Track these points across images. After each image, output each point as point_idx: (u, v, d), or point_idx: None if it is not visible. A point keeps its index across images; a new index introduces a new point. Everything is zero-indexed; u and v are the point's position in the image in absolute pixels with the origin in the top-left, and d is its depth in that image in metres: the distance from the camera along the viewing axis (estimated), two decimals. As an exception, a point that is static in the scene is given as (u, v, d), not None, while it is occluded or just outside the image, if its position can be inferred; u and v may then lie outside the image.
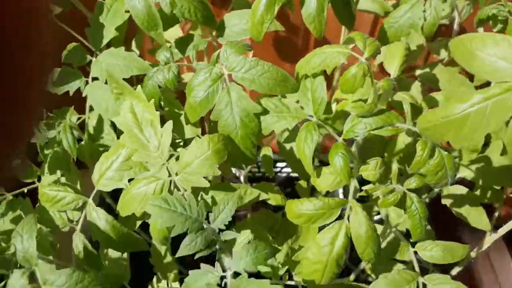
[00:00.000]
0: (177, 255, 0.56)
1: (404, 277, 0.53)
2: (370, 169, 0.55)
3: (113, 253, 0.71)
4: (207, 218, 0.57)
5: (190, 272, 0.56)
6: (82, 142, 0.76)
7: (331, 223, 0.54)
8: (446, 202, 0.70)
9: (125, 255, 0.71)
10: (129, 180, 0.61)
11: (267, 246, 0.56)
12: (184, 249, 0.56)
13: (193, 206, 0.56)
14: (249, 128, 0.56)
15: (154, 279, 0.78)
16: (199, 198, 0.60)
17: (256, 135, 0.57)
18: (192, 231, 0.56)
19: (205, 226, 0.56)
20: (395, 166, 0.56)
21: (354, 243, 0.53)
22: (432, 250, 0.56)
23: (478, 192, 0.72)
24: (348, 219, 0.53)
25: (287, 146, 0.67)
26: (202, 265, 0.56)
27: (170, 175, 0.58)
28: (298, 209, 0.53)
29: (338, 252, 0.53)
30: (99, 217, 0.61)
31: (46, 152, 0.69)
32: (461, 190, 0.69)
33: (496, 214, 0.76)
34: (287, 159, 0.67)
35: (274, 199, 0.77)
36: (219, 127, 0.57)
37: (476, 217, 0.68)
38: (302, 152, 0.55)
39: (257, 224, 0.69)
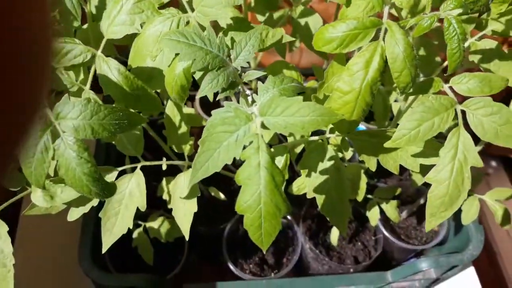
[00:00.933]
0: (198, 95, 0.52)
1: (442, 103, 0.50)
2: (403, -4, 0.51)
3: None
4: (229, 56, 0.53)
5: (213, 112, 0.52)
6: (85, 26, 0.71)
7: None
8: (474, 58, 0.66)
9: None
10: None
11: (293, 80, 0.52)
12: (206, 88, 0.52)
13: (213, 41, 0.52)
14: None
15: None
16: (223, 38, 0.55)
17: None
18: (213, 67, 0.52)
19: (227, 64, 0.53)
20: (428, -7, 0.52)
21: (390, 66, 0.49)
22: (469, 83, 0.53)
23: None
24: (384, 40, 0.50)
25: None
26: (225, 102, 0.52)
27: (186, 12, 0.54)
28: (330, 32, 0.49)
29: (373, 76, 0.49)
30: (111, 68, 0.57)
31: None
32: (490, 44, 0.65)
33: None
34: None
35: (290, 76, 0.73)
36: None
37: (506, 71, 0.65)
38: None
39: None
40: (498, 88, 0.52)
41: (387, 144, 0.51)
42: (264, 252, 0.51)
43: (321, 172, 0.58)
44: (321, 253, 1.01)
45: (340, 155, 0.58)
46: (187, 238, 0.66)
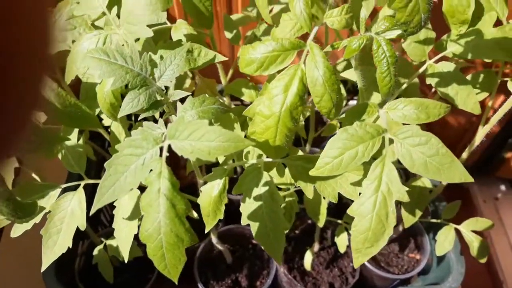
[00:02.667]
0: (119, 115, 0.51)
1: (368, 131, 0.46)
2: (335, 15, 0.49)
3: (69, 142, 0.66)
4: (153, 75, 0.52)
5: (133, 132, 0.50)
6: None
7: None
8: (431, 81, 0.62)
9: (81, 141, 0.66)
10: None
11: (216, 102, 0.50)
12: (126, 107, 0.51)
13: (136, 59, 0.51)
14: None
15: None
16: (147, 57, 0.54)
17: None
18: (134, 86, 0.51)
19: (150, 83, 0.51)
20: (364, 13, 0.49)
21: (310, 90, 0.46)
22: (404, 109, 0.49)
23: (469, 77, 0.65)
24: (305, 63, 0.47)
25: None
26: (144, 123, 0.50)
27: (113, 29, 0.53)
28: (250, 54, 0.47)
29: (292, 101, 0.46)
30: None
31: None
32: (448, 67, 0.62)
33: (490, 103, 0.68)
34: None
35: (248, 96, 0.71)
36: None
37: (464, 97, 0.61)
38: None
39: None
40: (435, 115, 0.49)
41: (311, 172, 0.48)
42: (176, 283, 0.48)
43: (255, 198, 0.56)
44: (295, 278, 0.97)
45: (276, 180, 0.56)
46: (126, 259, 0.65)
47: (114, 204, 0.67)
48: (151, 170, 0.44)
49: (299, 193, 0.77)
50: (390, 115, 0.50)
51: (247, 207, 0.56)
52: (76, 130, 0.65)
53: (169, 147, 0.44)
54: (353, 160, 0.46)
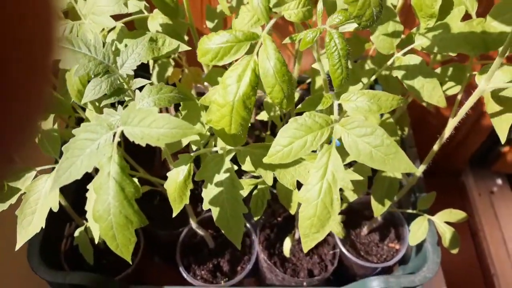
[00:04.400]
0: (82, 101, 0.53)
1: (316, 121, 0.48)
2: (292, 8, 0.50)
3: (44, 125, 0.68)
4: (115, 63, 0.53)
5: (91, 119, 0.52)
6: None
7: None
8: (397, 74, 0.63)
9: (55, 126, 0.68)
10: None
11: (174, 90, 0.51)
12: (89, 94, 0.52)
13: (99, 48, 0.52)
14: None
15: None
16: (112, 45, 0.55)
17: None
18: (97, 74, 0.52)
19: (112, 71, 0.53)
20: (320, 6, 0.50)
21: (262, 81, 0.48)
22: (357, 100, 0.51)
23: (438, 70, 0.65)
24: (258, 54, 0.48)
25: None
26: (105, 109, 0.52)
27: (80, 19, 0.55)
28: (206, 44, 0.48)
29: (245, 91, 0.48)
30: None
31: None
32: (415, 60, 0.62)
33: (459, 97, 0.69)
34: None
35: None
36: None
37: (429, 90, 0.62)
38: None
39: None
40: (387, 107, 0.50)
41: (265, 160, 0.50)
42: (130, 263, 0.51)
43: (217, 184, 0.57)
44: (275, 264, 0.99)
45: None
46: (96, 241, 0.67)
47: (87, 187, 0.70)
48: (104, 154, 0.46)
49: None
50: (344, 106, 0.51)
51: (209, 192, 0.58)
52: (52, 116, 0.67)
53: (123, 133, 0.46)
54: (302, 149, 0.47)
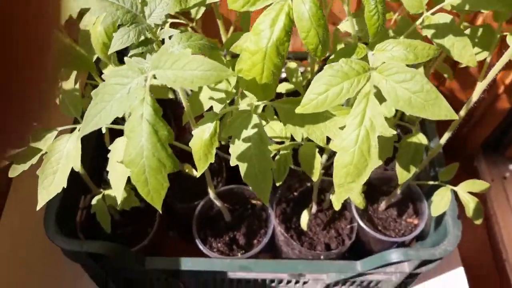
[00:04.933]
0: (110, 51, 0.52)
1: (353, 67, 0.46)
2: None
3: (66, 84, 0.67)
4: (143, 13, 0.52)
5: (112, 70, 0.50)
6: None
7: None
8: (427, 33, 0.62)
9: (77, 85, 0.67)
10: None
11: (203, 38, 0.50)
12: (117, 43, 0.51)
13: (127, -4, 0.51)
14: None
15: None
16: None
17: None
18: (124, 23, 0.51)
19: (140, 20, 0.52)
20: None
21: (297, 25, 0.46)
22: (393, 50, 0.49)
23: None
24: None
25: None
26: (133, 58, 0.51)
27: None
28: (237, -12, 0.47)
29: (279, 36, 0.47)
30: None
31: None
32: (445, 18, 0.61)
33: (488, 59, 0.67)
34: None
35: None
36: None
37: (459, 48, 0.60)
38: None
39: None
40: (424, 56, 0.49)
41: (297, 110, 0.49)
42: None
43: (244, 140, 0.56)
44: (292, 237, 0.98)
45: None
46: (119, 201, 0.66)
47: (109, 148, 0.69)
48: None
49: (295, 150, 0.78)
50: (379, 56, 0.50)
51: (236, 148, 0.57)
52: (73, 75, 0.67)
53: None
54: (337, 96, 0.46)
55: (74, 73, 0.66)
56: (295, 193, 1.06)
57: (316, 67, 0.84)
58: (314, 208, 0.99)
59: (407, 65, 0.47)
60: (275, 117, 0.68)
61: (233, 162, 0.58)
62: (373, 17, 0.46)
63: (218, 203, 0.92)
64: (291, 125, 0.56)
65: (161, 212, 0.50)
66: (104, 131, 0.68)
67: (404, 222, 1.03)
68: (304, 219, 0.96)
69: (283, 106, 0.55)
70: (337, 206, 0.91)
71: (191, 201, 1.01)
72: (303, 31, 0.46)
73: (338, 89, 0.46)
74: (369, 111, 0.46)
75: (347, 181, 0.47)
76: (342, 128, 0.55)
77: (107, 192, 0.84)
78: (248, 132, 0.56)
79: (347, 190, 0.47)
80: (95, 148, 0.97)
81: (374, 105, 0.46)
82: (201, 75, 0.43)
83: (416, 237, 1.02)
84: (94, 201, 0.84)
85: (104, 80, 0.46)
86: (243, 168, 0.57)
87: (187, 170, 0.98)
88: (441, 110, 0.44)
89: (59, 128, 0.67)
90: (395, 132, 0.46)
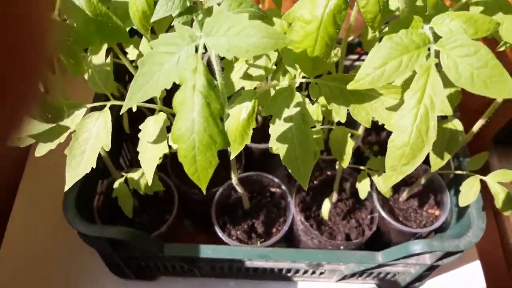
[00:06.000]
0: (153, 19, 0.49)
1: (414, 40, 0.44)
2: None
3: (96, 59, 0.64)
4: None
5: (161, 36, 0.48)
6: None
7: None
8: (475, 10, 0.59)
9: (108, 59, 0.64)
10: None
11: (254, 6, 0.48)
12: (161, 10, 0.49)
13: (172, -37, 0.49)
14: None
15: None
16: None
17: None
18: (169, -9, 0.49)
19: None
20: None
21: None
22: (451, 23, 0.47)
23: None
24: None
25: None
26: (180, 25, 0.48)
27: None
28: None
29: (337, 3, 0.44)
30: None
31: None
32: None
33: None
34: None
35: (280, 26, 0.69)
36: None
37: (509, 28, 0.58)
38: None
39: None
40: (485, 31, 0.46)
41: (350, 86, 0.46)
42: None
43: (286, 120, 0.54)
44: (312, 226, 0.96)
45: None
46: (150, 181, 0.64)
47: (140, 127, 0.66)
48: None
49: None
50: (436, 30, 0.47)
51: (277, 129, 0.55)
52: (103, 49, 0.64)
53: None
54: (396, 71, 0.44)
55: (105, 46, 0.63)
56: (315, 182, 1.04)
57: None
58: (335, 197, 0.97)
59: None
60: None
61: (272, 143, 0.55)
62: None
63: (239, 189, 0.90)
64: (336, 104, 0.54)
65: (205, 193, 0.47)
66: (132, 109, 0.66)
67: (425, 213, 1.01)
68: (326, 208, 0.94)
69: (329, 83, 0.53)
70: (363, 195, 0.89)
71: (209, 188, 0.99)
72: (362, -1, 0.44)
73: (397, 63, 0.44)
74: (430, 88, 0.43)
75: (400, 163, 0.45)
76: (389, 109, 0.53)
77: (129, 175, 0.82)
78: (290, 111, 0.54)
79: (399, 174, 0.45)
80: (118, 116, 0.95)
81: (436, 82, 0.43)
82: (257, 43, 0.40)
83: (435, 229, 1.01)
84: (116, 185, 0.81)
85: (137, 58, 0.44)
86: (282, 150, 0.55)
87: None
88: (506, 88, 0.42)
89: (88, 105, 0.64)
90: (451, 112, 0.44)
